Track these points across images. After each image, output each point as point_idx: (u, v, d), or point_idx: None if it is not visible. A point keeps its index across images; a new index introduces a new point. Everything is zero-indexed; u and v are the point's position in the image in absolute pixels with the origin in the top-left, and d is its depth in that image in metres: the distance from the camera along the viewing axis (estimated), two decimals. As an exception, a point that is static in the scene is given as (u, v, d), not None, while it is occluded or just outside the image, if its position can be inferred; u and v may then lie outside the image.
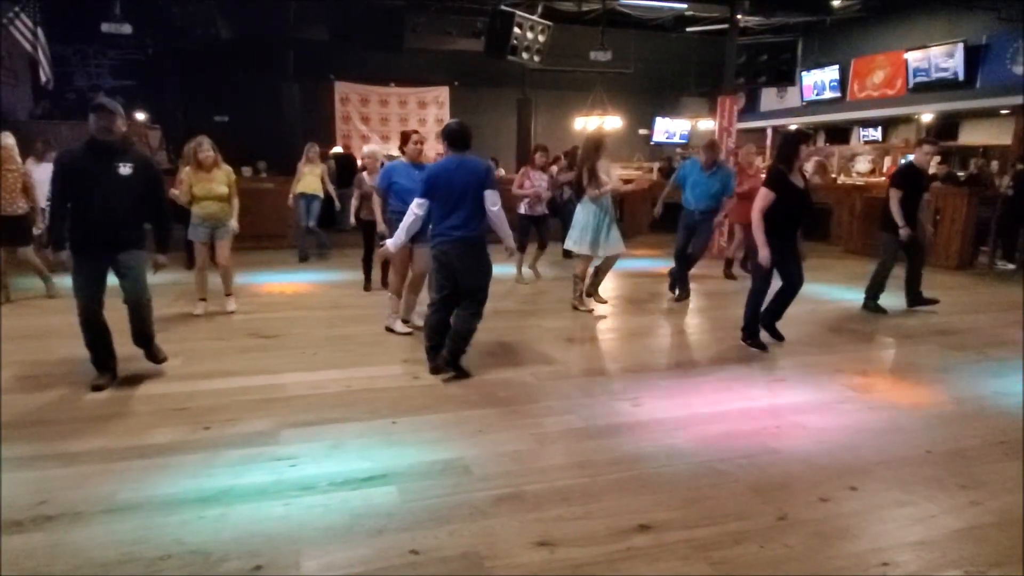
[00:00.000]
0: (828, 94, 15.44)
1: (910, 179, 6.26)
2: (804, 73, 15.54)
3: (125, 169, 3.81)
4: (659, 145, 18.18)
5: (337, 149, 14.04)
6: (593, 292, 6.37)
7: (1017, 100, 11.46)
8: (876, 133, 15.96)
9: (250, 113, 14.56)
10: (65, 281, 6.76)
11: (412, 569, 2.32)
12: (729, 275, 8.21)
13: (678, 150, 17.70)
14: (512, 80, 15.31)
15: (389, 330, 5.40)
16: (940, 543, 2.53)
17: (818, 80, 15.57)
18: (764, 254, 4.89)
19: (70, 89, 13.33)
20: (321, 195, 9.02)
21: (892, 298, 6.57)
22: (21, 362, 4.46)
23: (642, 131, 17.92)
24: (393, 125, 16.86)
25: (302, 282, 7.72)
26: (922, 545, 2.51)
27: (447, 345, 4.31)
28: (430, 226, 4.36)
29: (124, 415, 3.64)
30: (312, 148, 9.14)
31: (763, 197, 4.91)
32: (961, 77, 12.43)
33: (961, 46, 12.37)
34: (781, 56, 13.61)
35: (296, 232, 9.48)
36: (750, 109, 17.49)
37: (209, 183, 5.65)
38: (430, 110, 17.09)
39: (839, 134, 17.00)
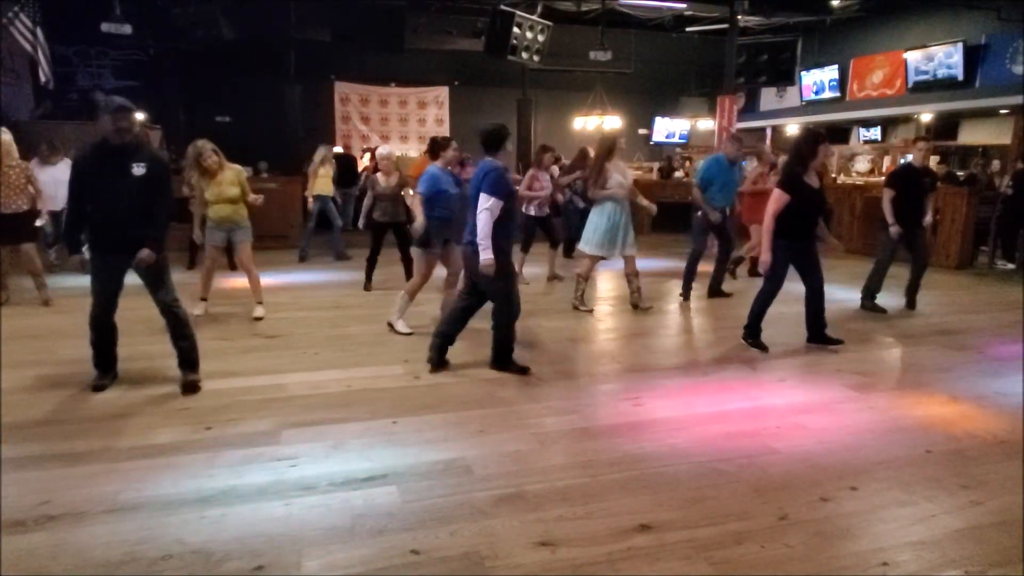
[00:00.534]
0: (827, 94, 15.43)
1: (904, 179, 6.27)
2: (804, 73, 15.56)
3: (139, 169, 3.80)
4: (659, 145, 18.18)
5: (337, 149, 14.05)
6: (639, 300, 6.41)
7: (1017, 100, 11.46)
8: (875, 133, 15.98)
9: (251, 114, 14.59)
10: (63, 284, 6.94)
11: (413, 569, 2.32)
12: (732, 273, 8.19)
13: (678, 150, 17.72)
14: (512, 80, 15.30)
15: (391, 326, 5.43)
16: (940, 543, 2.53)
17: (817, 80, 15.56)
18: (765, 259, 4.87)
19: (72, 89, 13.34)
20: (331, 195, 9.28)
21: (892, 298, 6.58)
22: (23, 362, 4.46)
23: (642, 131, 17.92)
24: (393, 125, 16.90)
25: (303, 282, 7.74)
26: (922, 545, 2.52)
27: (492, 344, 4.48)
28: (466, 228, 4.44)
29: (127, 415, 3.64)
30: (329, 150, 9.31)
31: (777, 199, 4.80)
32: (960, 77, 12.44)
33: (961, 46, 12.38)
34: (781, 56, 13.65)
35: (303, 232, 9.56)
36: (750, 109, 17.51)
37: (218, 186, 5.57)
38: (430, 110, 17.09)
39: (838, 134, 16.98)
